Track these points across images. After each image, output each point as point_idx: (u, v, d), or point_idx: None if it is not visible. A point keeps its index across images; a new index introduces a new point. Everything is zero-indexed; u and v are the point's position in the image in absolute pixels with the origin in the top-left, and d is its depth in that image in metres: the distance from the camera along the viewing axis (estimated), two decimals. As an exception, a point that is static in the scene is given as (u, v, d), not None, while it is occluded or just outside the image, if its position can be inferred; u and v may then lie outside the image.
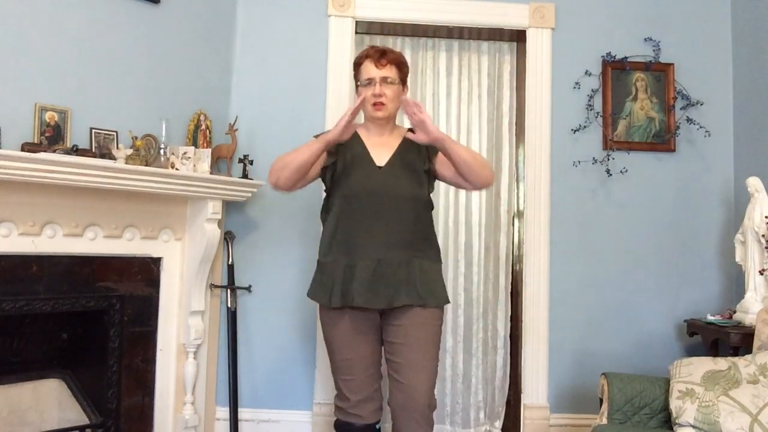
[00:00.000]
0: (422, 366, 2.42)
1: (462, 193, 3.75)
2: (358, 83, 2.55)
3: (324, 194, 2.63)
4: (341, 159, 2.51)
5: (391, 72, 2.49)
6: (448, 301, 2.56)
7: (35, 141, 2.64)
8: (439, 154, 2.51)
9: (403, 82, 2.56)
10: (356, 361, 2.47)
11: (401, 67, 2.54)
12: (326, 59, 3.61)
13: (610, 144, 3.61)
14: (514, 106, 3.86)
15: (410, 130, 2.49)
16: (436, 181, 2.64)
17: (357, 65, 2.56)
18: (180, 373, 3.19)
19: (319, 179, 2.62)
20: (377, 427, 2.53)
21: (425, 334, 2.44)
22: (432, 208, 2.60)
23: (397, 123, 2.68)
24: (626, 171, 3.60)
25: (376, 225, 2.42)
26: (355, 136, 2.52)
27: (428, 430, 2.44)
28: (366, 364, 2.48)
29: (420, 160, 2.53)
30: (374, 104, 2.48)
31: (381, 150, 2.52)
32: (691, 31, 3.71)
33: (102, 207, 2.86)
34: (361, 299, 2.38)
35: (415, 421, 2.40)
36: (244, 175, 3.31)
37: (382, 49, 2.55)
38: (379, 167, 2.49)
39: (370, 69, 2.49)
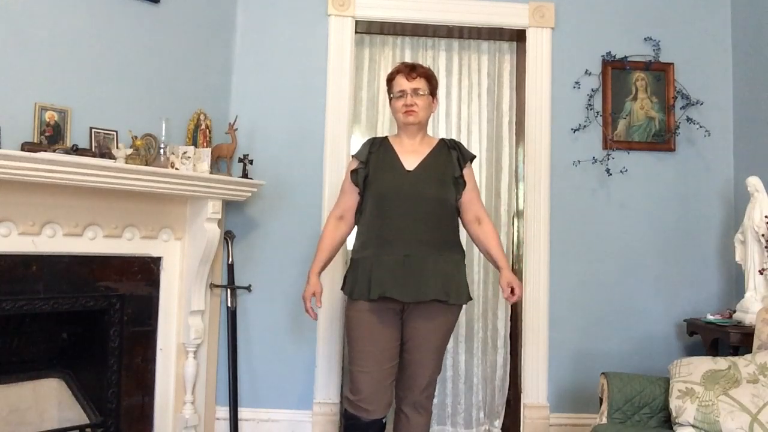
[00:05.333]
0: (428, 359, 2.65)
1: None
2: (391, 96, 2.74)
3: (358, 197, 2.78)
4: (373, 164, 2.70)
5: (421, 84, 2.68)
6: (471, 298, 2.71)
7: (35, 141, 2.64)
8: (468, 169, 2.74)
9: (433, 94, 2.74)
10: (375, 353, 2.58)
11: (430, 80, 2.73)
12: (326, 59, 3.61)
13: (610, 143, 3.61)
14: (514, 105, 3.86)
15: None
16: None
17: (390, 80, 2.76)
18: (180, 372, 3.19)
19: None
20: (383, 421, 2.64)
21: (439, 332, 2.64)
22: (458, 212, 2.75)
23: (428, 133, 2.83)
24: (626, 171, 3.60)
25: (404, 224, 2.58)
26: (388, 145, 2.74)
27: (425, 415, 2.70)
28: (384, 358, 2.59)
29: (451, 167, 2.70)
30: (406, 111, 2.67)
31: (411, 156, 2.70)
32: (691, 31, 3.71)
33: (102, 207, 2.86)
34: (391, 292, 2.53)
35: (412, 405, 2.67)
36: (244, 175, 3.31)
37: (413, 64, 2.78)
38: (408, 171, 2.66)
39: (402, 82, 2.69)
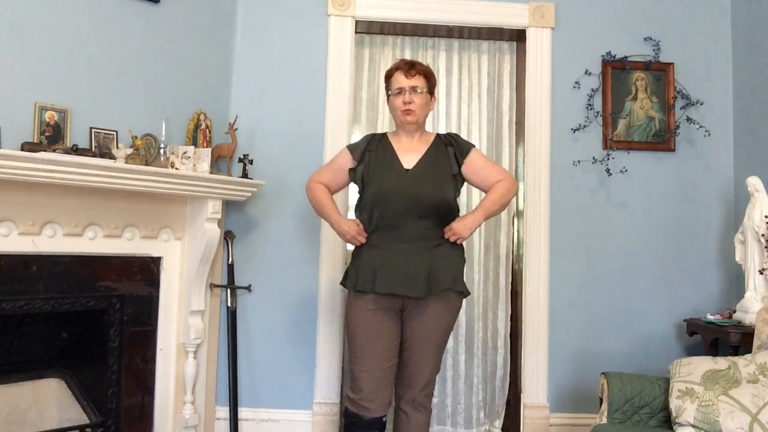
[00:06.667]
0: (428, 357, 2.64)
1: (462, 192, 3.74)
2: (389, 93, 2.72)
3: (357, 194, 2.77)
4: (372, 162, 2.69)
5: (419, 82, 2.67)
6: (469, 293, 2.73)
7: (35, 140, 2.64)
8: (468, 160, 2.70)
9: (431, 92, 2.73)
10: (376, 352, 2.59)
11: (429, 78, 2.72)
12: (326, 59, 3.61)
13: (609, 143, 3.61)
14: (514, 105, 3.86)
15: (448, 142, 2.76)
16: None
17: (388, 77, 2.74)
18: (180, 372, 3.19)
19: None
20: (384, 420, 2.64)
21: (439, 331, 2.64)
22: (457, 210, 2.74)
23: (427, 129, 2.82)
24: (626, 171, 3.60)
25: (403, 222, 2.59)
26: (386, 142, 2.74)
27: (424, 414, 2.69)
28: (384, 357, 2.60)
29: (449, 165, 2.69)
30: (404, 111, 2.66)
31: (409, 154, 2.69)
32: (691, 31, 3.71)
33: (102, 206, 2.86)
34: (391, 287, 2.54)
35: (411, 403, 2.66)
36: (244, 175, 3.31)
37: (411, 61, 2.75)
38: (407, 170, 2.66)
39: (400, 79, 2.67)
